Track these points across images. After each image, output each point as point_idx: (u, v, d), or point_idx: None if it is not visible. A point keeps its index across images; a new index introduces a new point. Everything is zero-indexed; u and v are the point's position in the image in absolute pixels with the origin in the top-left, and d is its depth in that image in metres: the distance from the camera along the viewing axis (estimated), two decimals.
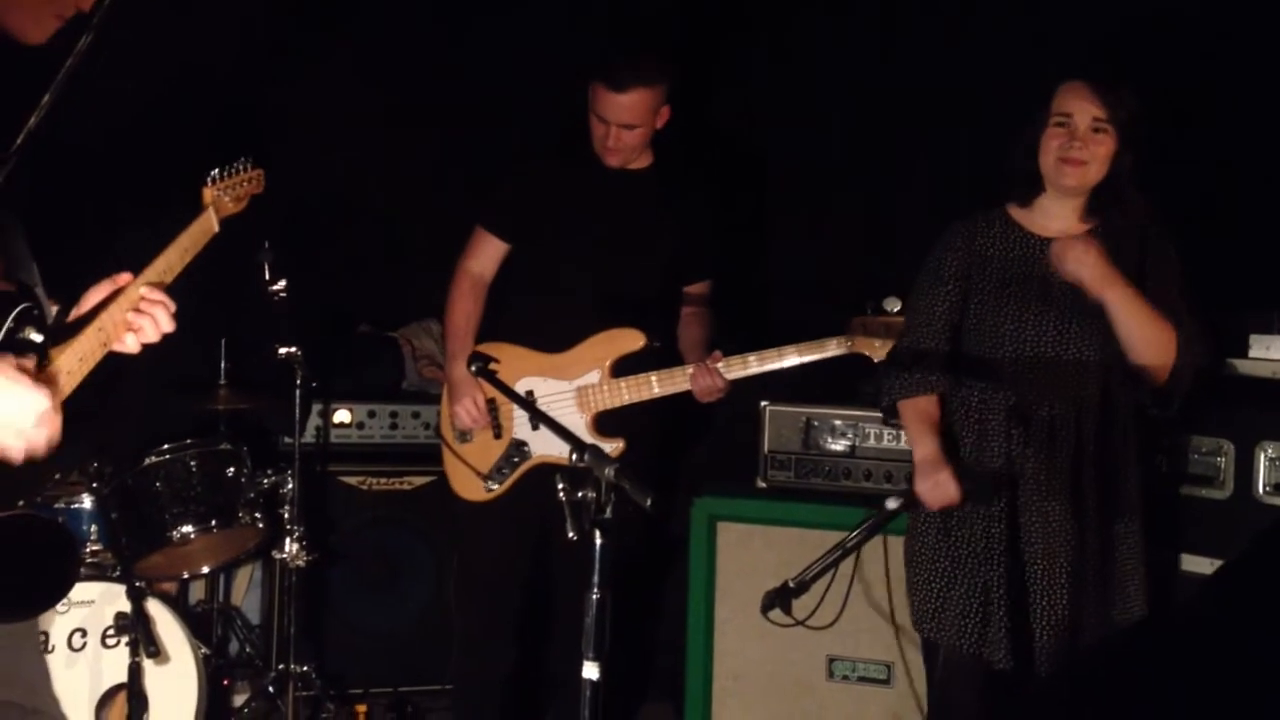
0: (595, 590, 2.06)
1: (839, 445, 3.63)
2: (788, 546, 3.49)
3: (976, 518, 2.84)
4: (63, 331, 2.07)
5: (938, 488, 2.82)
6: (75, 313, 2.17)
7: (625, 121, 3.34)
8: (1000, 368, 2.85)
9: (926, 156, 4.16)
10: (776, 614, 3.34)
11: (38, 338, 2.00)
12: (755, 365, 3.26)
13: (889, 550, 3.35)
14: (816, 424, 3.63)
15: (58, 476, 3.32)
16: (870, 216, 4.26)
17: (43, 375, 1.99)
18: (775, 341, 3.27)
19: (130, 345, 2.14)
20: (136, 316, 2.13)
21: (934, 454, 2.86)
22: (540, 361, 3.41)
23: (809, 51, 4.33)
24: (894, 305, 3.10)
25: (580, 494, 2.07)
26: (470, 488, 3.52)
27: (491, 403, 3.47)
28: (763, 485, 3.65)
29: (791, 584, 3.32)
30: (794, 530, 3.52)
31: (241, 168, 2.49)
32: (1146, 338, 2.72)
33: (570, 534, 2.10)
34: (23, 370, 1.91)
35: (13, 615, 1.55)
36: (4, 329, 1.96)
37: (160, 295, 2.16)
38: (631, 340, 3.39)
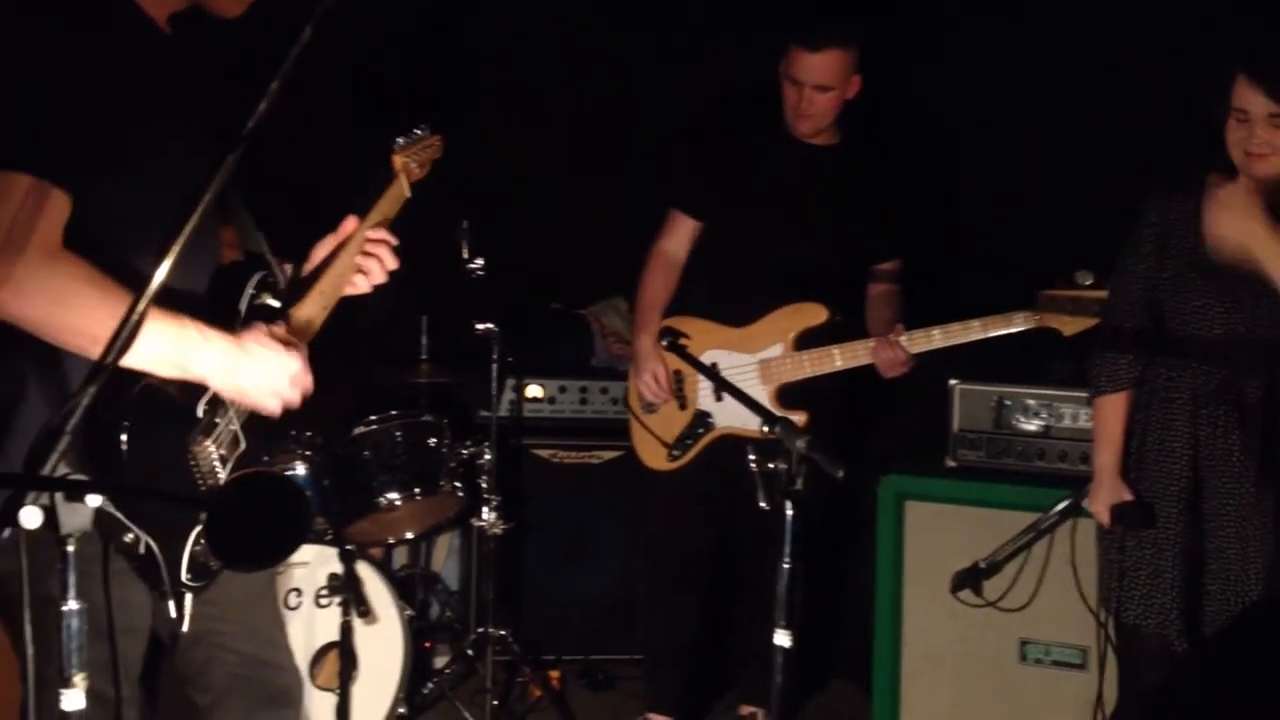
0: (786, 560, 2.10)
1: (1032, 425, 3.56)
2: (977, 527, 3.45)
3: (1164, 499, 2.80)
4: (293, 295, 2.23)
5: (1094, 504, 2.88)
6: (307, 267, 2.34)
7: (819, 82, 3.35)
8: (1191, 346, 2.79)
9: (1119, 129, 4.03)
10: (967, 595, 3.34)
11: (275, 303, 2.16)
12: (939, 339, 3.24)
13: (1086, 532, 3.28)
14: (1009, 403, 3.57)
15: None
16: (1062, 189, 4.15)
17: (281, 335, 2.15)
18: (963, 319, 3.24)
19: (362, 286, 2.31)
20: (364, 259, 2.28)
21: (1105, 468, 2.87)
22: (725, 335, 3.47)
23: (996, 24, 4.24)
24: (1085, 278, 3.03)
25: (771, 465, 2.11)
26: (655, 456, 3.62)
27: (677, 374, 3.55)
28: (952, 464, 3.61)
29: (983, 565, 3.31)
30: (984, 510, 3.46)
31: (422, 133, 2.59)
32: None
33: (762, 504, 2.14)
34: (273, 335, 2.06)
35: (255, 565, 1.69)
36: (246, 296, 2.11)
37: (384, 234, 2.32)
38: (815, 314, 3.41)
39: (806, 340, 3.42)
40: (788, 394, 3.42)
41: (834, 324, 3.42)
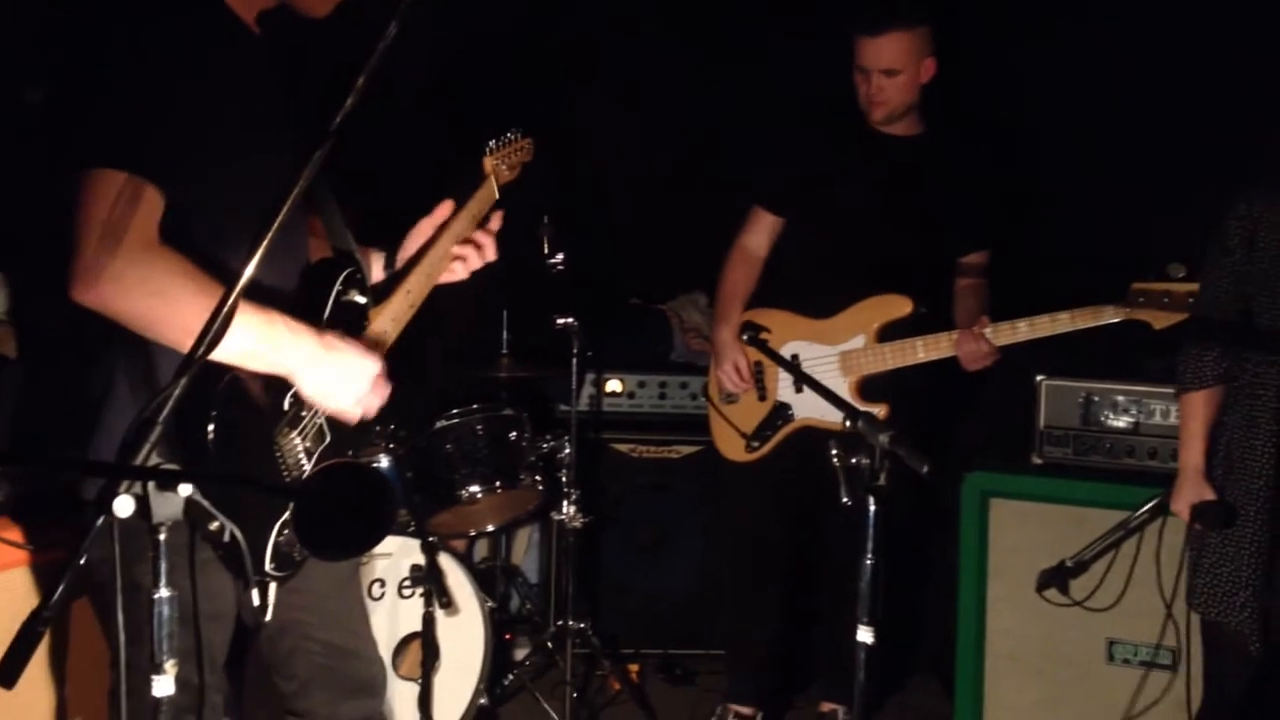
0: (869, 556, 2.08)
1: (1121, 422, 3.49)
2: (1064, 525, 3.39)
3: (1245, 497, 2.73)
4: (379, 293, 2.26)
5: (1176, 503, 2.83)
6: (401, 254, 2.39)
7: (885, 66, 3.33)
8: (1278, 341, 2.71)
9: (1212, 120, 3.94)
10: (1053, 593, 3.29)
11: (361, 300, 2.19)
12: (1025, 331, 3.19)
13: (1176, 531, 3.21)
14: (1097, 399, 3.50)
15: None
16: (1155, 181, 4.06)
17: (365, 339, 2.18)
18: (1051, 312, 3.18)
19: (459, 274, 2.40)
20: (462, 247, 2.36)
21: (1190, 466, 2.81)
22: (806, 326, 3.45)
23: (1087, 13, 4.16)
24: (1178, 271, 2.96)
25: (854, 460, 2.09)
26: (733, 448, 3.62)
27: (758, 365, 3.55)
28: (1038, 461, 3.55)
29: (1069, 563, 3.26)
30: (1071, 508, 3.41)
31: (513, 137, 2.64)
32: None
33: (844, 499, 2.13)
34: (353, 339, 2.08)
35: (341, 554, 1.71)
36: (333, 293, 2.14)
37: (489, 235, 2.41)
38: (899, 306, 3.38)
39: (889, 333, 3.39)
40: (869, 387, 3.40)
41: (918, 316, 3.38)
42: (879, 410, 3.27)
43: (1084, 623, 3.35)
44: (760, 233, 3.63)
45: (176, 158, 1.91)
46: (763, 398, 3.57)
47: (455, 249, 2.38)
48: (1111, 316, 3.06)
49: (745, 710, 3.74)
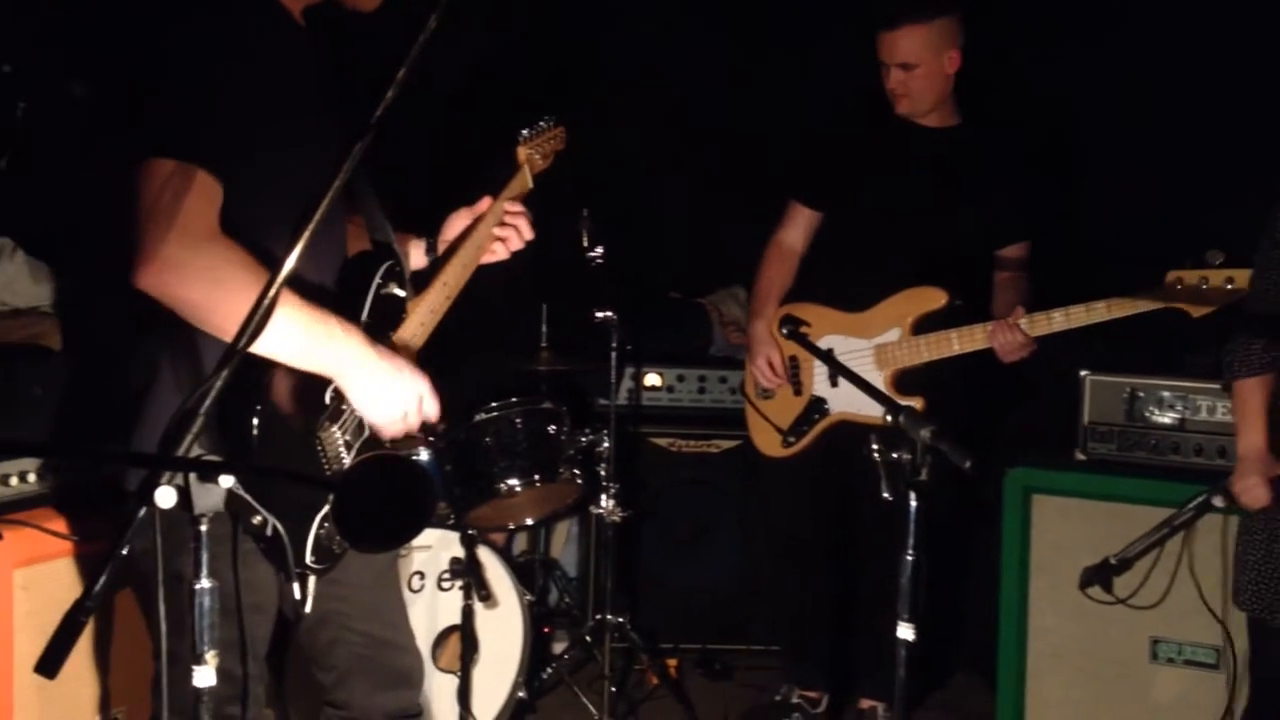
0: (910, 552, 2.06)
1: (1166, 418, 3.45)
2: (1108, 522, 3.36)
3: None
4: (417, 284, 2.28)
5: (1248, 492, 2.73)
6: (441, 238, 2.45)
7: (902, 60, 3.32)
8: None
9: (1263, 112, 3.88)
10: (1096, 591, 3.24)
11: (400, 293, 2.20)
12: (1060, 321, 3.15)
13: (1221, 530, 3.17)
14: (1142, 395, 3.46)
15: None
16: (1202, 176, 4.01)
17: (400, 333, 2.19)
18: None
19: (500, 254, 2.45)
20: (502, 229, 2.41)
21: (1253, 449, 2.74)
22: (841, 320, 3.44)
23: (1127, 5, 4.11)
24: (1216, 258, 2.91)
25: (895, 455, 2.07)
26: (770, 443, 3.61)
27: (793, 360, 3.54)
28: (1082, 458, 3.52)
29: (1113, 560, 3.22)
30: (1115, 505, 3.37)
31: (546, 125, 2.64)
32: None
33: (885, 494, 2.11)
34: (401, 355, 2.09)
35: (380, 546, 1.71)
36: (373, 286, 2.15)
37: (521, 208, 2.45)
38: (933, 299, 3.36)
39: (924, 325, 3.37)
40: (904, 380, 3.38)
41: (952, 309, 3.36)
42: (915, 403, 3.24)
43: (1127, 621, 3.31)
44: (796, 227, 3.64)
45: (231, 148, 1.93)
46: (798, 392, 3.55)
47: (496, 230, 2.42)
48: (1148, 305, 3.00)
49: (812, 694, 3.74)
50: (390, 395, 2.04)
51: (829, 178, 3.57)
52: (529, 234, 2.46)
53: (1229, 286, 2.87)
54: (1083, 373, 3.52)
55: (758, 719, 3.81)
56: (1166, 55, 4.01)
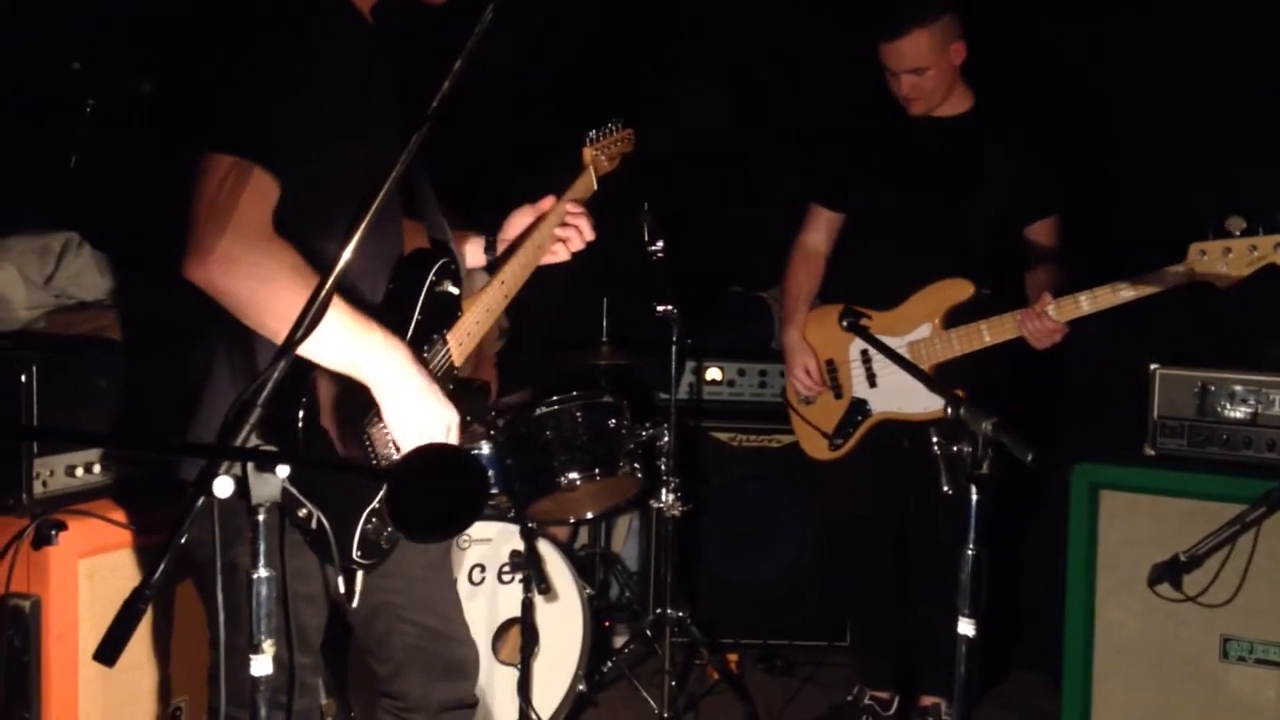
0: (971, 546, 2.03)
1: (1239, 413, 3.37)
2: (1177, 518, 3.28)
3: None
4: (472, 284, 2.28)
5: None
6: (501, 236, 2.46)
7: (910, 67, 3.30)
8: None
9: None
10: (1165, 589, 3.19)
11: (454, 290, 2.20)
12: (1087, 305, 3.10)
13: None
14: (1213, 389, 3.38)
15: None
16: (1225, 144, 3.90)
17: (454, 331, 2.19)
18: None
19: (561, 255, 2.47)
20: (563, 230, 2.43)
21: None
22: (874, 319, 3.40)
23: None
24: (1238, 225, 2.84)
25: (955, 448, 2.04)
26: (817, 447, 3.61)
27: (830, 364, 3.53)
28: (1151, 453, 3.44)
29: (1183, 557, 3.16)
30: (1185, 501, 3.29)
31: (614, 128, 2.64)
32: None
33: (945, 488, 2.08)
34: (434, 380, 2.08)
35: (432, 536, 1.71)
36: (427, 283, 2.16)
37: (582, 209, 2.47)
38: (961, 290, 3.33)
39: (956, 317, 3.33)
40: (943, 375, 3.34)
41: (980, 298, 3.31)
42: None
43: (1198, 619, 3.24)
44: (819, 229, 3.65)
45: (292, 146, 1.94)
46: (839, 395, 3.54)
47: (558, 231, 2.43)
48: (1175, 280, 2.94)
49: (883, 695, 3.72)
50: (419, 419, 2.03)
51: (843, 177, 3.58)
52: (590, 235, 2.47)
53: (1254, 253, 2.81)
54: (1153, 366, 3.45)
55: None
56: (1202, 29, 3.92)
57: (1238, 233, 2.84)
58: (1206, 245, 2.88)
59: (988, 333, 3.27)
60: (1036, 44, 4.09)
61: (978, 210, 3.37)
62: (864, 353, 3.44)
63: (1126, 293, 3.04)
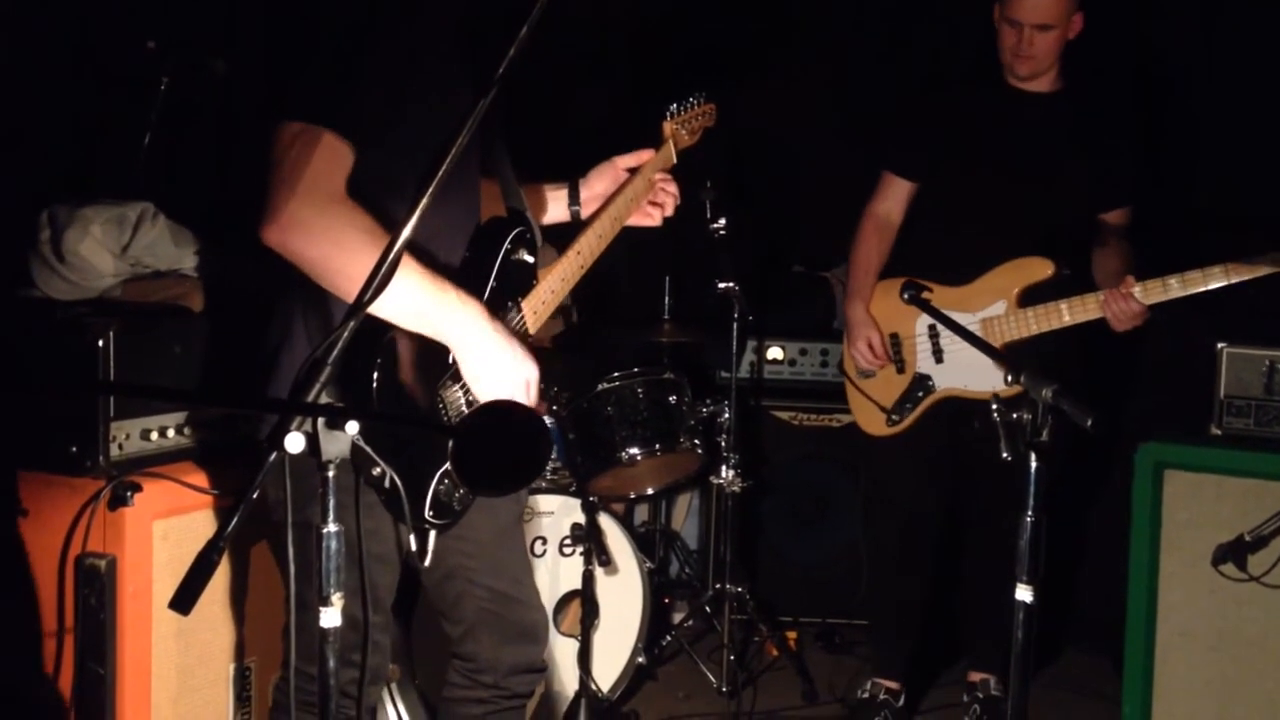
0: (1030, 513, 2.03)
1: None
2: (1243, 498, 3.25)
3: None
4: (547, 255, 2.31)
5: None
6: (584, 187, 2.52)
7: (1039, 21, 3.24)
8: None
9: None
10: (1230, 569, 3.16)
11: (530, 259, 2.23)
12: (1176, 288, 3.06)
13: None
14: None
15: None
16: None
17: (529, 300, 2.22)
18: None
19: (655, 219, 2.54)
20: (659, 195, 2.52)
21: None
22: (943, 294, 3.34)
23: None
24: None
25: (1015, 415, 2.04)
26: (873, 422, 3.55)
27: (894, 337, 3.48)
28: (1217, 432, 3.41)
29: (1248, 537, 3.14)
30: (1251, 481, 3.26)
31: (696, 102, 2.64)
32: None
33: (1005, 455, 2.08)
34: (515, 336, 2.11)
35: (496, 489, 1.75)
36: (502, 251, 2.19)
37: (669, 177, 2.54)
38: (1040, 269, 3.28)
39: (1031, 296, 3.29)
40: (1011, 354, 3.30)
41: (1060, 278, 3.28)
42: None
43: (1262, 600, 3.21)
44: (892, 199, 3.56)
45: (370, 116, 1.98)
46: (901, 370, 3.49)
47: (650, 197, 2.49)
48: (1268, 267, 2.90)
49: (893, 685, 3.69)
50: (500, 374, 2.06)
51: (923, 149, 3.50)
52: (678, 198, 2.55)
53: None
54: (1220, 345, 3.41)
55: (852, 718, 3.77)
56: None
57: None
58: None
59: (1068, 312, 3.23)
60: (1130, 31, 4.04)
61: (1062, 190, 3.33)
62: (931, 327, 3.41)
63: (1219, 278, 3.00)
